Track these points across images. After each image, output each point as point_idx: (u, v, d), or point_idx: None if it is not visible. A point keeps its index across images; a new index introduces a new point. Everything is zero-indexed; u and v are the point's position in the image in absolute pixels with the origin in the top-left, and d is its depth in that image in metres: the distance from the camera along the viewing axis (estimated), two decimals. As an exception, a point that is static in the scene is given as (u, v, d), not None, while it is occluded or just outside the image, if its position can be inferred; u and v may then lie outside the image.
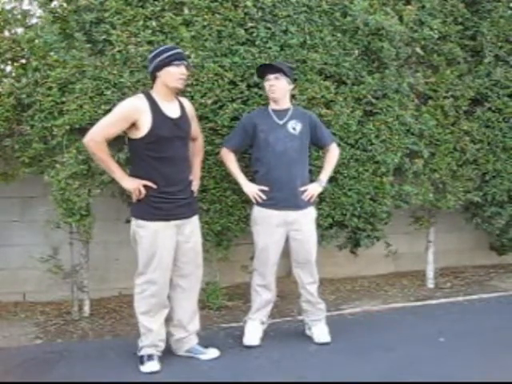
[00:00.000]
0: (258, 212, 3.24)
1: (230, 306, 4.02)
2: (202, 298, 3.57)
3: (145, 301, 2.91)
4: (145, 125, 2.81)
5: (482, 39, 4.31)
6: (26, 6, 3.52)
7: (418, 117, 4.10)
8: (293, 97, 3.52)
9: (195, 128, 3.12)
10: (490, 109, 4.40)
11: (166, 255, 2.88)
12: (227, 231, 3.71)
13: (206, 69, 3.47)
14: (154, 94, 2.90)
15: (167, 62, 2.84)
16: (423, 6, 4.05)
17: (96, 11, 3.36)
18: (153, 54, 2.91)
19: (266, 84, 3.23)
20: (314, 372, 2.93)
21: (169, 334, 3.05)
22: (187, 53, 3.35)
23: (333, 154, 3.37)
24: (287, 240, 3.25)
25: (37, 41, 3.37)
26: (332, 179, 3.61)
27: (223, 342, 3.30)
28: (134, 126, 2.82)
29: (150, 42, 3.37)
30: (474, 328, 3.57)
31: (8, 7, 3.48)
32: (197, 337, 3.14)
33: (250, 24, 3.54)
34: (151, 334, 2.93)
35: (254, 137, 3.23)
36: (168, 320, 3.02)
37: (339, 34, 3.73)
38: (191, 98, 3.38)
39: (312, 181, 3.33)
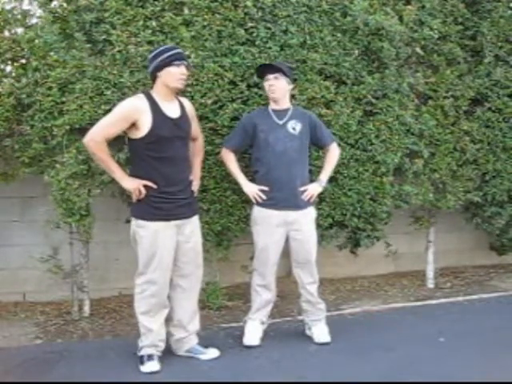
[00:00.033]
0: (257, 212, 3.24)
1: (230, 306, 4.02)
2: (202, 298, 3.57)
3: (145, 301, 2.91)
4: (145, 125, 2.81)
5: (481, 39, 4.31)
6: (26, 6, 3.52)
7: (418, 117, 4.10)
8: (293, 97, 3.52)
9: (195, 128, 3.12)
10: (490, 109, 4.40)
11: (166, 255, 2.88)
12: (227, 231, 3.72)
13: (206, 69, 3.47)
14: (154, 94, 2.90)
15: (167, 62, 2.84)
16: (423, 6, 4.05)
17: (96, 11, 3.36)
18: (153, 54, 2.91)
19: (266, 84, 3.23)
20: (313, 372, 2.93)
21: (169, 334, 3.05)
22: (187, 53, 3.35)
23: (333, 154, 3.37)
24: (287, 240, 3.24)
25: (37, 41, 3.37)
26: (332, 179, 3.61)
27: (223, 342, 3.30)
28: (134, 126, 2.82)
29: (150, 42, 3.37)
30: (474, 328, 3.57)
31: (8, 7, 3.48)
32: (197, 337, 3.14)
33: (250, 24, 3.54)
34: (151, 334, 2.93)
35: (254, 137, 3.23)
36: (168, 320, 3.02)
37: (339, 34, 3.74)
38: (191, 98, 3.38)
39: (312, 181, 3.33)
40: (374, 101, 3.85)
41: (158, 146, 2.83)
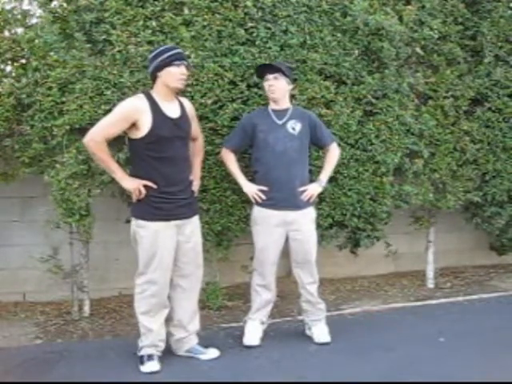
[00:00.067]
0: (257, 212, 3.24)
1: (230, 306, 4.02)
2: (202, 298, 3.57)
3: (145, 301, 2.91)
4: (145, 125, 2.81)
5: (482, 39, 4.31)
6: (26, 6, 3.52)
7: (418, 117, 4.10)
8: (293, 97, 3.52)
9: (195, 128, 3.12)
10: (490, 109, 4.40)
11: (166, 255, 2.88)
12: (227, 231, 3.71)
13: (206, 69, 3.47)
14: (154, 94, 2.90)
15: (168, 62, 2.84)
16: (423, 6, 4.05)
17: (96, 11, 3.36)
18: (153, 54, 2.91)
19: (265, 84, 3.23)
20: (313, 372, 2.93)
21: (169, 334, 3.05)
22: (187, 53, 3.35)
23: (333, 154, 3.36)
24: (287, 240, 3.25)
25: (37, 41, 3.37)
26: (332, 179, 3.61)
27: (223, 342, 3.30)
28: (134, 126, 2.82)
29: (150, 42, 3.37)
30: (474, 328, 3.57)
31: (8, 7, 3.48)
32: (197, 337, 3.14)
33: (250, 24, 3.54)
34: (151, 334, 2.93)
35: (254, 137, 3.23)
36: (168, 320, 3.02)
37: (339, 34, 3.73)
38: (191, 98, 3.38)
39: (312, 181, 3.33)
40: (374, 101, 3.85)
41: (158, 146, 2.83)
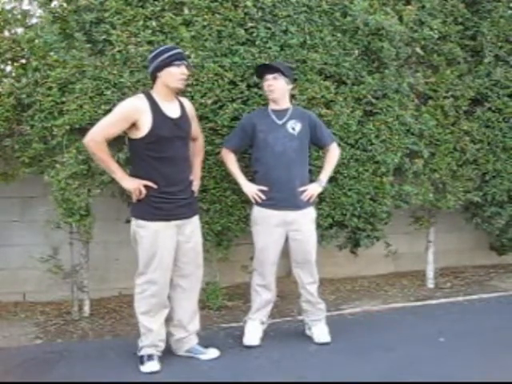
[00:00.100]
0: (257, 212, 3.24)
1: (230, 306, 4.02)
2: (202, 298, 3.57)
3: (145, 301, 2.91)
4: (145, 125, 2.81)
5: (481, 39, 4.31)
6: (25, 6, 3.52)
7: (418, 117, 4.10)
8: (293, 97, 3.52)
9: (195, 128, 3.12)
10: (490, 109, 4.40)
11: (166, 255, 2.88)
12: (227, 231, 3.71)
13: (206, 69, 3.47)
14: (155, 94, 2.90)
15: (168, 63, 2.84)
16: (423, 6, 4.05)
17: (96, 11, 3.36)
18: (153, 54, 2.91)
19: (265, 84, 3.23)
20: (313, 372, 2.93)
21: (169, 334, 3.05)
22: (187, 53, 3.35)
23: (333, 154, 3.36)
24: (287, 240, 3.25)
25: (37, 41, 3.37)
26: (332, 179, 3.61)
27: (223, 342, 3.30)
28: (134, 126, 2.82)
29: (150, 42, 3.37)
30: (474, 328, 3.57)
31: (8, 7, 3.48)
32: (197, 337, 3.14)
33: (250, 24, 3.54)
34: (151, 334, 2.93)
35: (254, 137, 3.23)
36: (168, 320, 3.02)
37: (339, 34, 3.73)
38: (191, 98, 3.38)
39: (312, 181, 3.33)
40: (374, 101, 3.85)
41: (158, 146, 2.83)
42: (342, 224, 3.91)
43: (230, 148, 3.31)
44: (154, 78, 2.91)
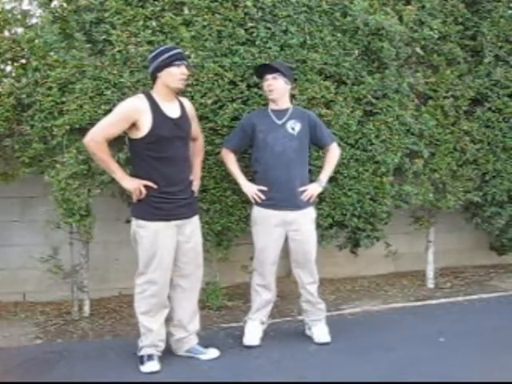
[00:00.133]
0: (257, 212, 3.24)
1: (230, 306, 4.02)
2: (202, 297, 3.57)
3: (145, 301, 2.91)
4: (145, 125, 2.81)
5: (482, 39, 4.31)
6: (25, 6, 3.52)
7: (418, 117, 4.10)
8: (293, 97, 3.52)
9: (195, 128, 3.12)
10: (490, 109, 4.40)
11: (166, 255, 2.88)
12: (227, 231, 3.72)
13: (205, 69, 3.47)
14: (155, 94, 2.90)
15: (168, 63, 2.84)
16: (423, 6, 4.05)
17: (96, 11, 3.36)
18: (153, 54, 2.91)
19: (264, 84, 3.23)
20: (313, 372, 2.93)
21: (169, 334, 3.05)
22: (187, 53, 3.35)
23: (333, 154, 3.36)
24: (287, 240, 3.25)
25: (37, 41, 3.37)
26: (332, 179, 3.61)
27: (223, 342, 3.30)
28: (134, 126, 2.82)
29: (150, 42, 3.37)
30: (474, 328, 3.57)
31: (8, 7, 3.48)
32: (197, 337, 3.14)
33: (250, 24, 3.54)
34: (151, 334, 2.93)
35: (253, 137, 3.23)
36: (168, 320, 3.02)
37: (339, 34, 3.73)
38: (191, 98, 3.38)
39: (312, 181, 3.33)
40: (374, 101, 3.85)
41: (158, 146, 2.83)
42: (342, 224, 3.91)
43: (230, 148, 3.31)
44: (154, 78, 2.91)
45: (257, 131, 3.20)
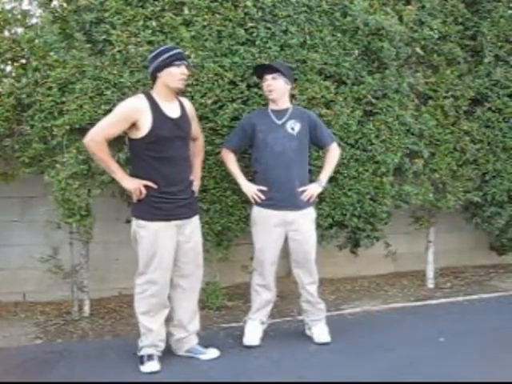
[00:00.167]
0: (257, 212, 3.24)
1: (230, 306, 4.02)
2: (202, 297, 3.57)
3: (145, 301, 2.91)
4: (145, 125, 2.81)
5: (482, 39, 4.31)
6: (25, 6, 3.51)
7: (418, 117, 4.10)
8: (293, 97, 3.53)
9: (195, 128, 3.12)
10: (490, 109, 4.40)
11: (166, 255, 2.88)
12: (227, 231, 3.72)
13: (206, 69, 3.47)
14: (155, 94, 2.90)
15: (168, 63, 2.84)
16: (423, 6, 4.05)
17: (96, 11, 3.36)
18: (153, 54, 2.91)
19: (264, 84, 3.22)
20: (313, 372, 2.93)
21: (169, 334, 3.05)
22: (187, 53, 3.35)
23: (333, 154, 3.36)
24: (287, 240, 3.25)
25: (37, 41, 3.37)
26: (332, 179, 3.61)
27: (223, 342, 3.30)
28: (134, 126, 2.82)
29: (150, 42, 3.37)
30: (474, 328, 3.57)
31: (8, 7, 3.47)
32: (197, 337, 3.14)
33: (250, 24, 3.54)
34: (151, 334, 2.93)
35: (253, 137, 3.23)
36: (168, 320, 3.02)
37: (339, 34, 3.73)
38: (191, 98, 3.38)
39: (312, 181, 3.33)
40: (374, 101, 3.85)
41: (158, 146, 2.83)
42: (342, 224, 3.91)
43: (230, 148, 3.31)
44: (154, 78, 2.91)
45: (257, 131, 3.20)
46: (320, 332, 3.33)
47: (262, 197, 3.20)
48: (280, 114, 3.23)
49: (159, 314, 2.95)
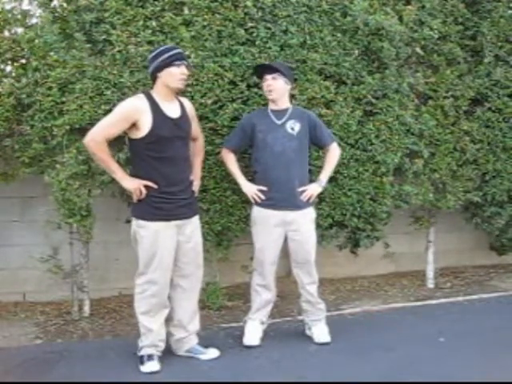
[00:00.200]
0: (257, 212, 3.24)
1: (230, 306, 4.02)
2: (202, 297, 3.57)
3: (145, 301, 2.91)
4: (145, 125, 2.81)
5: (482, 39, 4.31)
6: (25, 6, 3.51)
7: (418, 117, 4.10)
8: (293, 97, 3.53)
9: (195, 128, 3.12)
10: (490, 109, 4.40)
11: (166, 255, 2.88)
12: (227, 231, 3.72)
13: (206, 69, 3.47)
14: (155, 94, 2.90)
15: (168, 63, 2.84)
16: (423, 6, 4.05)
17: (96, 11, 3.36)
18: (153, 54, 2.91)
19: (264, 84, 3.22)
20: (313, 372, 2.93)
21: (169, 334, 3.05)
22: (187, 53, 3.35)
23: (333, 154, 3.36)
24: (286, 240, 3.25)
25: (37, 41, 3.37)
26: (332, 179, 3.61)
27: (223, 342, 3.30)
28: (134, 126, 2.82)
29: (150, 42, 3.37)
30: (474, 328, 3.57)
31: (8, 7, 3.47)
32: (197, 337, 3.14)
33: (250, 24, 3.54)
34: (151, 334, 2.93)
35: (253, 137, 3.23)
36: (168, 320, 3.02)
37: (339, 34, 3.73)
38: (191, 98, 3.38)
39: (312, 181, 3.33)
40: (374, 101, 3.85)
41: (159, 146, 2.83)
42: (342, 224, 3.91)
43: (230, 148, 3.31)
44: (154, 78, 2.91)
45: (256, 131, 3.20)
46: (320, 332, 3.33)
47: (262, 197, 3.20)
48: (280, 114, 3.23)
49: (159, 314, 2.95)
